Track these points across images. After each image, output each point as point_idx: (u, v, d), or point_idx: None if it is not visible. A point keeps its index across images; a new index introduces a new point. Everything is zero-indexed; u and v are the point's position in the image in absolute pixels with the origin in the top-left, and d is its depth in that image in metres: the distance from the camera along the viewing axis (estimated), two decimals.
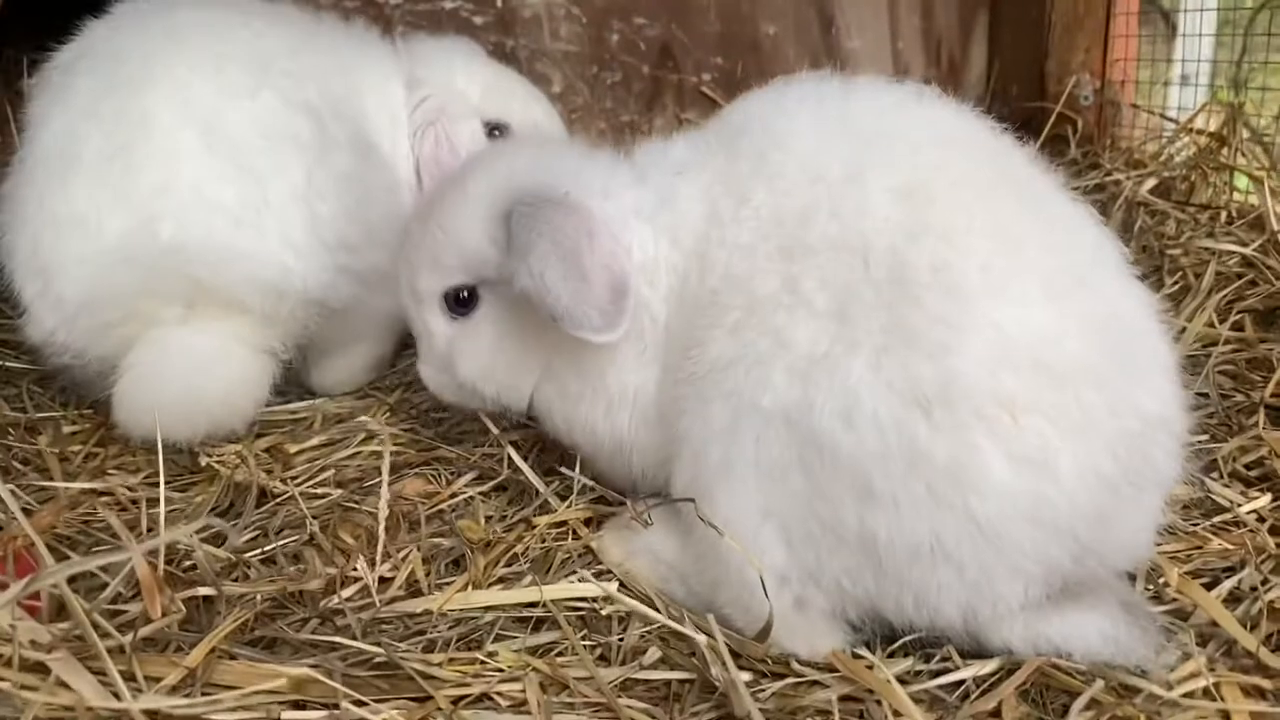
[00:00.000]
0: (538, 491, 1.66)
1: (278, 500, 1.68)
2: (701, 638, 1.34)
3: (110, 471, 1.79)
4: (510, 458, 1.68)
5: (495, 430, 1.70)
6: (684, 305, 1.46)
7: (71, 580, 1.31)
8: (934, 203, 1.30)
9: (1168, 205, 2.63)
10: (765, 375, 1.29)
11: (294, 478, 1.74)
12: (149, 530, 1.49)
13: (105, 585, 1.31)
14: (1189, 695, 1.24)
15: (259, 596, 1.42)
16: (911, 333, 1.23)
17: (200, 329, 1.83)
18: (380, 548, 1.52)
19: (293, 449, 1.83)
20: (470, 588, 1.48)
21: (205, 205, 1.79)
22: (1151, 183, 2.72)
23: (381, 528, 1.54)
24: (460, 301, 1.59)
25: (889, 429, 1.22)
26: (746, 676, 1.33)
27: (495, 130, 2.29)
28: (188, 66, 1.87)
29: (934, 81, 3.44)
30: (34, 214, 1.82)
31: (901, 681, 1.32)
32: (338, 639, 1.34)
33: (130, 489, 1.73)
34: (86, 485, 1.61)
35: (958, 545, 1.24)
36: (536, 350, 1.58)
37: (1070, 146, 3.07)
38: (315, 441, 1.87)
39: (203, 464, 1.75)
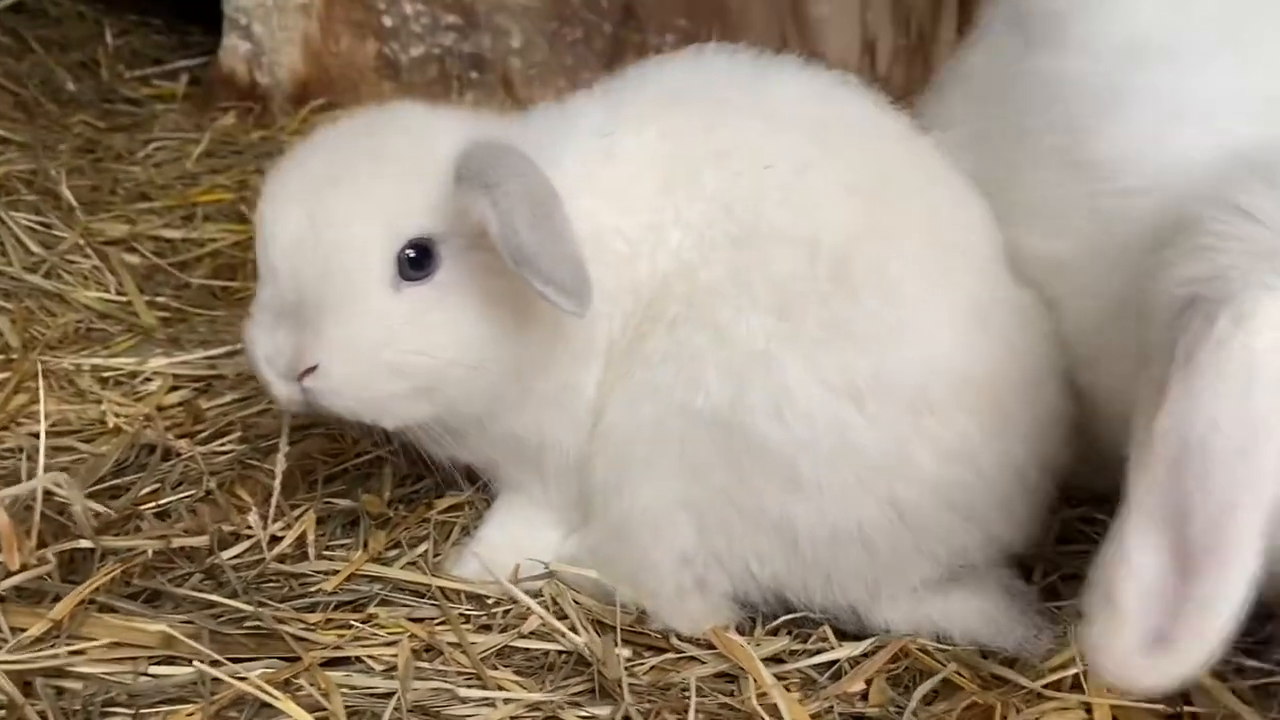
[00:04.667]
0: None
1: (180, 455, 1.67)
2: (572, 612, 1.37)
3: (21, 420, 1.77)
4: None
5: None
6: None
7: None
8: (877, 201, 1.32)
9: None
10: (699, 374, 1.28)
11: (199, 433, 1.73)
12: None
13: None
14: (1055, 686, 1.24)
15: (150, 550, 1.42)
16: (848, 329, 1.25)
17: None
18: (273, 505, 1.51)
19: (205, 405, 1.81)
20: (367, 563, 1.47)
21: None
22: None
23: (278, 484, 1.53)
24: (415, 262, 1.28)
25: (820, 421, 1.24)
26: (626, 652, 1.34)
27: None
28: None
29: (903, 51, 3.42)
30: None
31: (779, 660, 1.34)
32: (214, 597, 1.34)
33: (38, 436, 1.72)
34: None
35: (877, 530, 1.28)
36: (511, 327, 1.32)
37: None
38: (229, 398, 1.85)
39: (109, 425, 1.73)
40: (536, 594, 1.42)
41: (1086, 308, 1.31)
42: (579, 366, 1.38)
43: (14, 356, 1.90)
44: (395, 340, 1.26)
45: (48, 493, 1.35)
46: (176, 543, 1.42)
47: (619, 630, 1.32)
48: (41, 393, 1.49)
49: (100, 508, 1.41)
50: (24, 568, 1.20)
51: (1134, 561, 0.95)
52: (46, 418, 1.77)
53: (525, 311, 1.32)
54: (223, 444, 1.72)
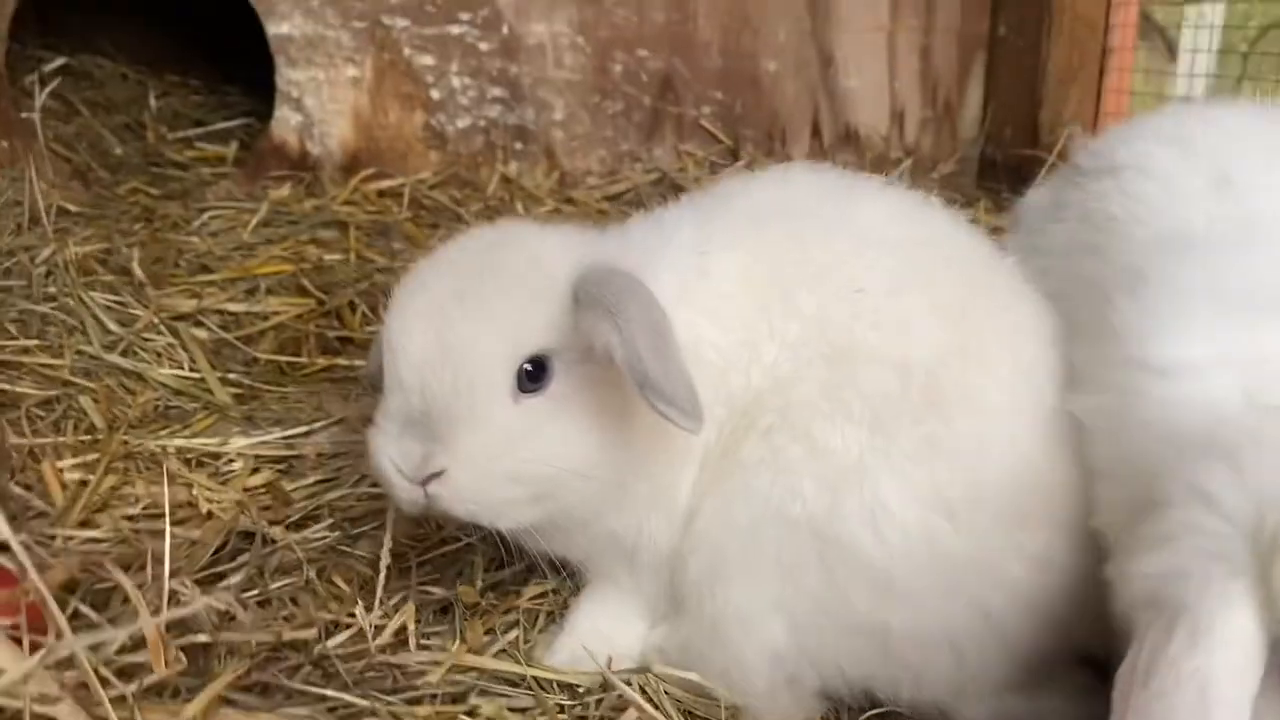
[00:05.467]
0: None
1: (276, 543, 1.73)
2: (668, 705, 1.43)
3: (112, 503, 1.83)
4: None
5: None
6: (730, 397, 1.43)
7: (74, 619, 1.37)
8: (964, 320, 1.39)
9: None
10: (795, 483, 1.35)
11: (289, 517, 1.80)
12: (148, 568, 1.53)
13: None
14: None
15: (254, 642, 1.48)
16: (939, 445, 1.33)
17: None
18: (379, 597, 1.58)
19: (289, 486, 1.88)
20: (467, 653, 1.53)
21: None
22: None
23: (382, 577, 1.59)
24: (532, 375, 1.35)
25: (914, 532, 1.32)
26: None
27: None
28: None
29: (930, 122, 3.53)
30: None
31: None
32: (328, 691, 1.41)
33: (131, 519, 1.78)
34: (93, 534, 1.66)
35: (965, 634, 1.35)
36: (616, 434, 1.39)
37: None
38: (311, 480, 1.91)
39: (203, 510, 1.79)
40: (626, 684, 1.49)
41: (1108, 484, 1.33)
42: (675, 470, 1.45)
43: (99, 437, 1.97)
44: (515, 450, 1.34)
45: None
46: (287, 636, 1.48)
47: None
48: (166, 487, 1.55)
49: (217, 603, 1.47)
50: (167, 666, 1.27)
51: None
52: (137, 501, 1.85)
53: (628, 420, 1.40)
54: (315, 530, 1.78)
